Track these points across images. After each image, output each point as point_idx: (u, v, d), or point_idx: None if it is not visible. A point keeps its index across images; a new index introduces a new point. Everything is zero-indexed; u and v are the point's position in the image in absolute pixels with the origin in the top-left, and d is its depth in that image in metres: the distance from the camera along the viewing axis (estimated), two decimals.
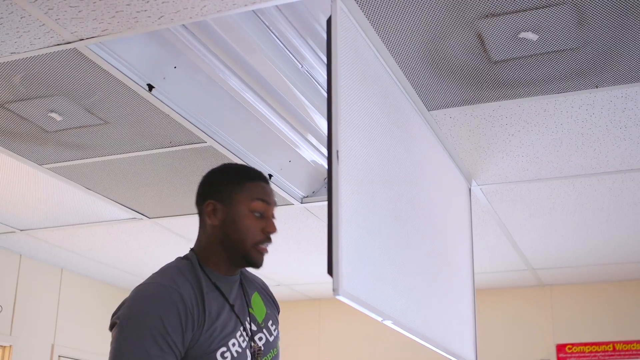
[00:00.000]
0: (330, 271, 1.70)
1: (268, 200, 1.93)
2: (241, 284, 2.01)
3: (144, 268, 4.74)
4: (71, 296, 4.82)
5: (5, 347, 4.32)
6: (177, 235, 4.02)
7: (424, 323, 2.37)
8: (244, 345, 1.91)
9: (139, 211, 3.64)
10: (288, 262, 4.55)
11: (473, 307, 3.14)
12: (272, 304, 2.08)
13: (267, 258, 4.33)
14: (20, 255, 4.45)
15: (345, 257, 1.76)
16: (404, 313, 2.18)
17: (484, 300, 4.30)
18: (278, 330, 2.06)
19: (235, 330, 1.91)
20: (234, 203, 1.95)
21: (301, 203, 3.46)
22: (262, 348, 1.97)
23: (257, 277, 2.09)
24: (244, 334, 1.93)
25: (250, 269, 2.02)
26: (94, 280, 5.01)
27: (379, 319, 1.98)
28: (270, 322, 2.03)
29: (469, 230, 3.23)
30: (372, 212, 2.03)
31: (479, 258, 3.92)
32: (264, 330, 2.01)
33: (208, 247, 2.01)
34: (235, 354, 1.88)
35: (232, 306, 1.93)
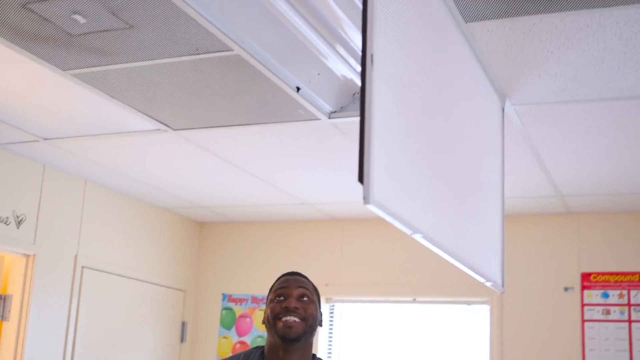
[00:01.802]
0: (360, 178, 1.63)
1: (286, 285, 2.55)
2: None
3: (168, 182, 4.71)
4: (94, 208, 4.81)
5: (29, 255, 4.33)
6: (202, 148, 3.97)
7: (453, 241, 2.32)
8: None
9: (163, 122, 3.58)
10: (312, 180, 4.50)
11: (502, 230, 3.08)
12: None
13: (290, 175, 4.25)
14: (44, 165, 4.43)
15: (377, 165, 1.68)
16: (433, 228, 2.12)
17: (510, 225, 4.23)
18: None
19: None
20: (268, 301, 2.59)
21: (329, 118, 3.38)
22: None
23: None
24: None
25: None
26: (117, 192, 4.99)
27: (409, 232, 1.92)
28: None
29: (500, 152, 3.15)
30: (405, 123, 1.95)
31: (508, 182, 3.84)
32: None
33: (267, 338, 2.57)
34: None
35: None
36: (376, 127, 1.70)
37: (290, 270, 2.69)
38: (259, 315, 5.49)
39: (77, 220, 4.68)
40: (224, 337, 5.57)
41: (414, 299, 5.20)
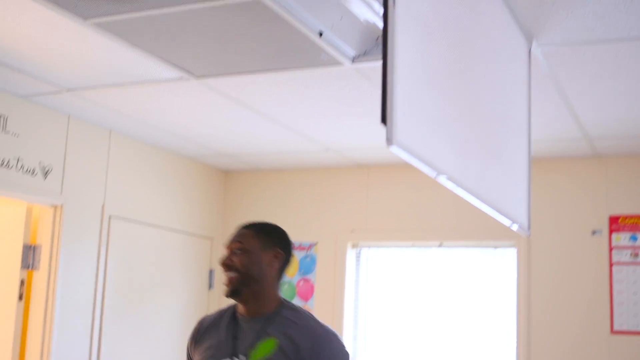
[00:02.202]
0: (384, 119, 1.61)
1: (226, 243, 2.61)
2: (265, 327, 2.52)
3: (192, 131, 4.71)
4: (120, 158, 4.83)
5: (57, 206, 4.37)
6: (225, 96, 3.95)
7: (478, 183, 2.29)
8: None
9: (186, 69, 3.56)
10: (336, 127, 4.48)
11: (528, 173, 3.05)
12: (299, 355, 2.45)
13: (314, 122, 4.22)
14: (69, 115, 4.44)
15: (400, 106, 1.66)
16: (457, 170, 2.10)
17: (537, 169, 4.19)
18: None
19: (216, 357, 2.55)
20: None
21: (352, 63, 3.34)
22: None
23: (303, 332, 2.49)
24: None
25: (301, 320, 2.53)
26: (142, 142, 5.00)
27: (433, 174, 1.90)
28: None
29: (526, 94, 3.10)
30: (428, 64, 1.92)
31: (534, 125, 3.79)
32: None
33: None
34: None
35: (230, 342, 2.56)
36: (399, 68, 1.67)
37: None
38: None
39: (103, 171, 4.70)
40: None
41: (440, 244, 5.19)
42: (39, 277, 4.32)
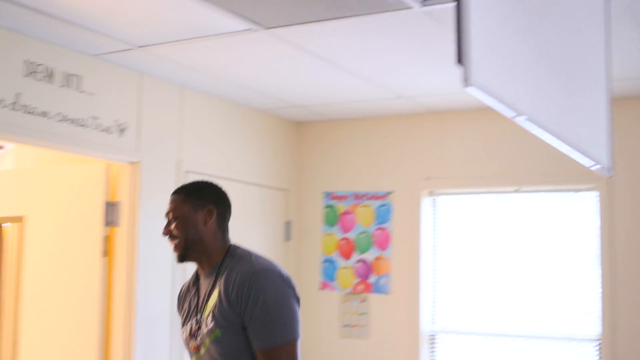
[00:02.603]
0: (459, 59, 1.55)
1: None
2: (215, 280, 2.73)
3: (262, 83, 4.70)
4: (193, 113, 4.86)
5: (134, 163, 4.43)
6: (294, 45, 3.92)
7: (558, 123, 2.22)
8: (188, 332, 2.76)
9: (255, 20, 3.53)
10: (408, 73, 4.41)
11: (608, 112, 2.95)
12: (228, 299, 2.63)
13: (385, 69, 4.14)
14: (141, 73, 4.47)
15: (476, 45, 1.60)
16: (536, 110, 2.03)
17: (619, 109, 4.04)
18: (218, 321, 2.64)
19: (189, 319, 2.77)
20: None
21: (421, 6, 3.26)
22: (199, 333, 2.69)
23: (237, 273, 2.68)
24: (192, 322, 2.75)
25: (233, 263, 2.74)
26: (214, 96, 5.02)
27: (511, 114, 1.84)
28: (211, 316, 2.66)
29: (606, 30, 2.98)
30: (504, 1, 1.85)
31: (614, 63, 3.66)
32: (204, 323, 2.69)
33: None
34: (184, 335, 2.80)
35: (195, 301, 2.80)
36: (473, 4, 1.61)
37: None
38: (361, 211, 5.51)
39: (177, 126, 4.75)
40: (328, 234, 5.63)
41: (517, 189, 5.10)
42: (121, 233, 4.41)
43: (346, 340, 5.50)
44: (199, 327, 2.71)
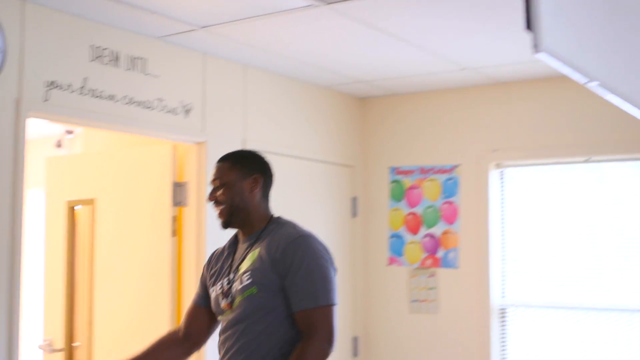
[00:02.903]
0: (528, 25, 1.51)
1: (212, 178, 2.91)
2: (254, 243, 2.85)
3: (325, 59, 4.68)
4: (257, 92, 4.87)
5: (200, 143, 4.47)
6: (355, 20, 3.88)
7: (632, 88, 2.15)
8: (219, 291, 2.86)
9: None
10: (472, 44, 4.33)
11: None
12: (271, 258, 2.74)
13: (449, 41, 4.10)
14: (204, 53, 4.50)
15: (545, 9, 1.56)
16: (609, 75, 1.97)
17: None
18: (255, 279, 2.75)
19: (221, 278, 2.89)
20: None
21: None
22: (231, 291, 2.81)
23: (280, 237, 2.80)
24: (224, 282, 2.86)
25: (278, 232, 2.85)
26: (277, 74, 5.02)
27: (583, 80, 1.79)
28: (248, 274, 2.76)
29: None
30: None
31: None
32: (238, 280, 2.79)
33: None
34: (213, 295, 2.91)
35: (229, 262, 2.91)
36: None
37: None
38: (428, 186, 5.47)
39: (241, 105, 4.76)
40: (395, 210, 5.60)
41: (587, 159, 4.99)
42: (189, 213, 4.46)
43: (415, 315, 5.48)
44: (231, 286, 2.82)
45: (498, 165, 5.27)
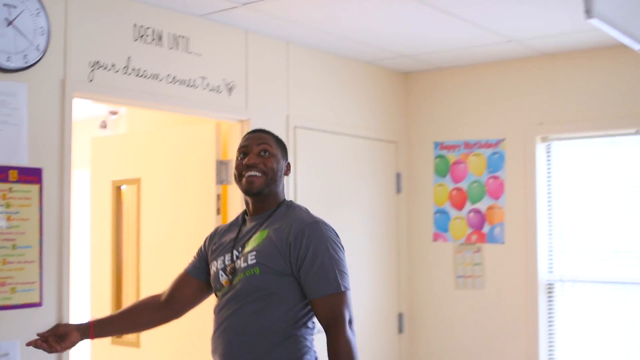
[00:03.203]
0: None
1: (247, 144, 2.85)
2: (263, 223, 2.83)
3: (367, 34, 4.64)
4: (299, 68, 4.85)
5: (243, 120, 4.47)
6: None
7: None
8: (220, 266, 2.86)
9: None
10: (518, 16, 4.26)
11: None
12: (282, 242, 2.74)
13: (494, 11, 4.04)
14: (246, 30, 4.48)
15: None
16: None
17: None
18: (260, 259, 2.74)
19: (223, 254, 2.87)
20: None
21: None
22: (234, 268, 2.80)
23: (292, 222, 2.79)
24: (225, 257, 2.85)
25: (292, 217, 2.83)
26: (319, 50, 5.00)
27: (636, 46, 1.74)
28: (253, 254, 2.75)
29: None
30: None
31: None
32: (242, 258, 2.78)
33: None
34: (212, 269, 2.91)
35: (235, 239, 2.88)
36: None
37: None
38: (473, 160, 5.41)
39: (284, 82, 4.75)
40: (440, 185, 5.56)
41: (638, 130, 4.88)
42: (234, 191, 4.47)
43: (460, 291, 5.45)
44: (234, 263, 2.82)
45: (544, 139, 5.19)
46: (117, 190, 4.94)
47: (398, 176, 5.63)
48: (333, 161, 5.09)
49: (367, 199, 5.36)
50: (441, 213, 5.54)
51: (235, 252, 2.84)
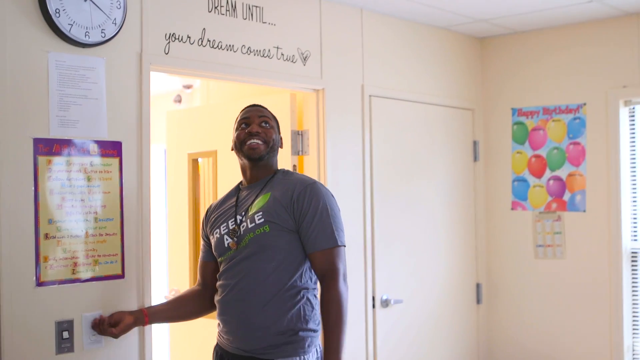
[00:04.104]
0: None
1: (249, 115, 3.17)
2: (263, 188, 3.09)
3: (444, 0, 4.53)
4: (373, 36, 4.78)
5: (318, 90, 4.43)
6: None
7: None
8: (224, 231, 3.06)
9: None
10: None
11: None
12: (287, 199, 2.98)
13: None
14: None
15: None
16: None
17: None
18: (268, 218, 2.97)
19: (225, 221, 3.10)
20: (234, 129, 3.23)
21: None
22: (240, 230, 3.00)
23: (295, 182, 3.04)
24: (229, 223, 3.06)
25: (288, 178, 3.12)
26: (393, 17, 4.91)
27: None
28: (260, 213, 2.97)
29: None
30: None
31: None
32: (248, 220, 3.00)
33: (239, 162, 3.23)
34: (216, 236, 3.10)
35: (232, 207, 3.12)
36: None
37: None
38: (552, 126, 5.27)
39: (358, 50, 4.69)
40: (518, 152, 5.44)
41: None
42: (310, 162, 4.45)
43: (541, 260, 5.34)
44: (239, 225, 3.02)
45: (627, 102, 5.01)
46: (194, 162, 4.96)
47: (475, 144, 5.53)
48: (409, 130, 5.02)
49: (443, 167, 5.28)
50: (520, 181, 5.42)
51: (238, 217, 3.05)
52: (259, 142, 3.09)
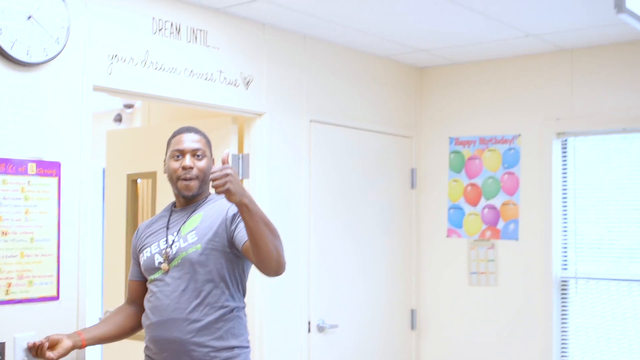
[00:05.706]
0: None
1: (181, 146, 3.11)
2: (195, 209, 3.13)
3: (383, 28, 4.62)
4: (316, 63, 4.84)
5: (260, 114, 4.46)
6: None
7: None
8: (155, 250, 3.09)
9: None
10: (536, 9, 4.24)
11: None
12: (225, 216, 3.01)
13: (514, 6, 4.00)
14: (264, 24, 4.48)
15: None
16: None
17: None
18: (202, 237, 3.01)
19: (157, 240, 3.12)
20: (166, 156, 3.20)
21: None
22: (171, 250, 3.03)
23: (225, 201, 2.88)
24: (160, 242, 3.09)
25: (215, 197, 3.15)
26: (336, 44, 4.98)
27: None
28: (193, 232, 3.01)
29: None
30: None
31: None
32: (181, 239, 3.03)
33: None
34: (146, 255, 3.12)
35: (164, 227, 3.15)
36: None
37: None
38: (488, 156, 5.39)
39: (301, 76, 4.74)
40: (454, 181, 5.55)
41: None
42: (250, 186, 4.46)
43: (474, 287, 5.44)
44: (171, 245, 3.04)
45: (560, 135, 5.17)
46: (133, 183, 4.94)
47: (413, 171, 5.62)
48: (348, 155, 5.09)
49: (381, 193, 5.36)
50: (455, 209, 5.53)
51: (170, 237, 3.07)
52: (192, 178, 3.09)
